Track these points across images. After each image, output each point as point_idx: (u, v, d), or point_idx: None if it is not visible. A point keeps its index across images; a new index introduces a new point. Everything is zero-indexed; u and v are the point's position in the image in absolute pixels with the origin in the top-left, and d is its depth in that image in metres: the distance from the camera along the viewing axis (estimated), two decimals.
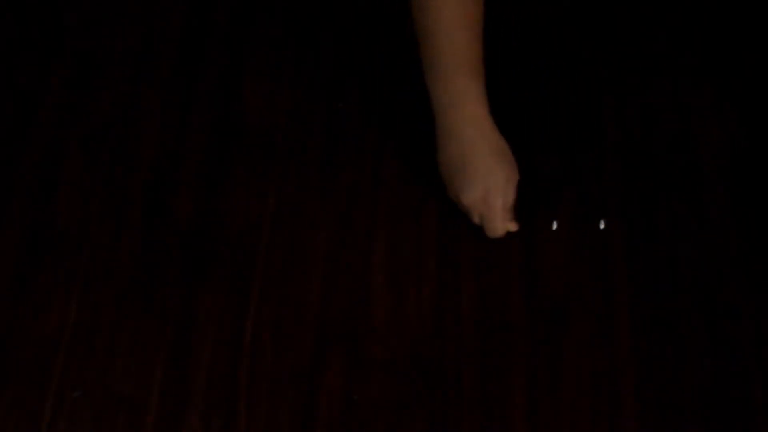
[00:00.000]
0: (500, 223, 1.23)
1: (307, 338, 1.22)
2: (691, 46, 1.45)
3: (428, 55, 1.22)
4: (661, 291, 1.24)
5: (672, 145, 1.36)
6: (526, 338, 1.21)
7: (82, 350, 1.21)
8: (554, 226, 1.29)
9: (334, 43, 1.47)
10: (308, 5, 1.50)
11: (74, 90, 1.43)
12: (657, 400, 1.17)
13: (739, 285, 1.24)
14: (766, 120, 1.37)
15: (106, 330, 1.23)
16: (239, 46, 1.47)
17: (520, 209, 1.28)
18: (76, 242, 1.29)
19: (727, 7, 1.47)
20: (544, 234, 1.28)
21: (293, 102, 1.41)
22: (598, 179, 1.33)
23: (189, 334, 1.22)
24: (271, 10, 1.50)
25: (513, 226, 1.25)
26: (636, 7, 1.48)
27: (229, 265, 1.27)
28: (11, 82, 1.45)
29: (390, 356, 1.20)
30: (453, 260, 1.27)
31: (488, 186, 1.22)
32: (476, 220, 1.25)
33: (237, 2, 1.51)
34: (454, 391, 1.18)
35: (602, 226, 1.29)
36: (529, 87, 1.40)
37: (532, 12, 1.47)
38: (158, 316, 1.23)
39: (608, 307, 1.23)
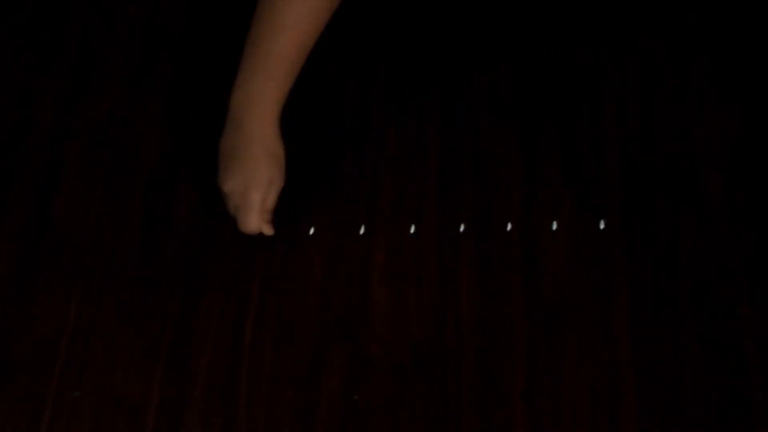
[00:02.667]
0: (253, 218, 1.23)
1: (307, 338, 1.22)
2: (691, 46, 1.45)
3: (247, 44, 1.24)
4: (661, 291, 1.24)
5: (672, 144, 1.36)
6: (526, 338, 1.21)
7: (82, 350, 1.21)
8: (554, 226, 1.29)
9: (334, 43, 1.47)
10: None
11: (74, 90, 1.43)
12: (657, 400, 1.17)
13: (738, 285, 1.24)
14: (766, 119, 1.37)
15: (106, 330, 1.23)
16: (239, 46, 1.47)
17: (520, 209, 1.28)
18: (76, 242, 1.29)
19: (727, 7, 1.47)
20: (544, 234, 1.28)
21: (293, 102, 1.41)
22: (598, 179, 1.33)
23: (189, 334, 1.22)
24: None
25: (267, 229, 1.24)
26: (636, 6, 1.48)
27: (229, 265, 1.27)
28: (11, 82, 1.45)
29: (390, 356, 1.20)
30: (453, 260, 1.27)
31: (250, 181, 1.22)
32: (231, 209, 1.25)
33: (237, 2, 1.51)
34: (454, 391, 1.18)
35: (602, 226, 1.29)
36: (529, 87, 1.40)
37: (532, 12, 1.47)
38: (158, 316, 1.24)
39: (608, 307, 1.23)
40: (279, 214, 1.31)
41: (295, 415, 1.17)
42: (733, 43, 1.44)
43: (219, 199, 1.31)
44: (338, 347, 1.21)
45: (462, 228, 1.29)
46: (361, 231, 1.29)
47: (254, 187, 1.22)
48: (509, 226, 1.29)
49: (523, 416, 1.16)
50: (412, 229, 1.29)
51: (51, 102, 1.42)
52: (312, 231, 1.30)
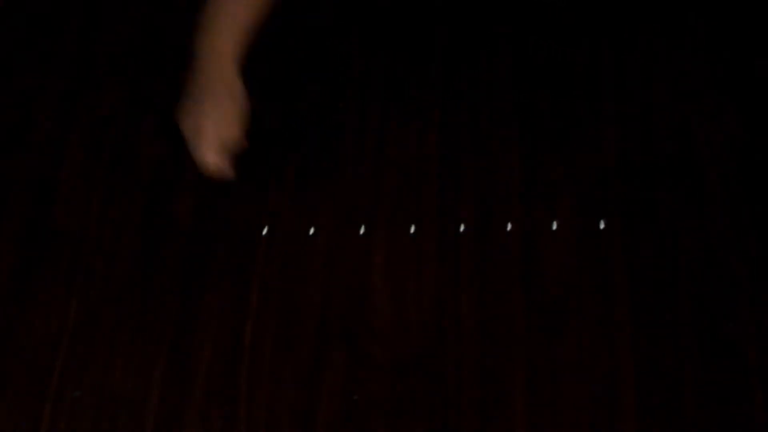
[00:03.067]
0: (206, 151, 1.24)
1: (307, 338, 1.22)
2: (691, 46, 1.45)
3: (207, 8, 1.29)
4: (661, 291, 1.24)
5: (672, 144, 1.36)
6: (526, 338, 1.21)
7: (82, 350, 1.21)
8: (554, 226, 1.29)
9: (334, 43, 1.47)
10: (308, 6, 1.50)
11: (74, 90, 1.43)
12: (657, 400, 1.17)
13: (738, 285, 1.24)
14: (766, 120, 1.37)
15: (106, 330, 1.23)
16: None
17: (520, 209, 1.29)
18: (76, 242, 1.29)
19: (728, 7, 1.47)
20: (544, 234, 1.28)
21: (294, 102, 1.41)
22: (598, 179, 1.33)
23: (189, 334, 1.22)
24: (271, 10, 1.50)
25: (223, 163, 1.24)
26: (636, 6, 1.48)
27: (229, 265, 1.27)
28: (11, 82, 1.45)
29: (390, 356, 1.20)
30: (453, 260, 1.27)
31: (206, 114, 1.25)
32: (190, 146, 1.26)
33: None
34: (454, 391, 1.18)
35: (602, 226, 1.29)
36: (529, 88, 1.40)
37: (532, 12, 1.47)
38: (158, 316, 1.24)
39: (608, 307, 1.23)
40: (279, 214, 1.31)
41: (295, 415, 1.17)
42: (733, 43, 1.44)
43: (219, 199, 1.31)
44: (338, 347, 1.21)
45: (462, 228, 1.29)
46: (361, 231, 1.29)
47: (208, 116, 1.24)
48: (509, 226, 1.29)
49: (523, 416, 1.16)
50: (412, 229, 1.29)
51: (51, 102, 1.42)
52: (312, 231, 1.30)
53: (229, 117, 1.25)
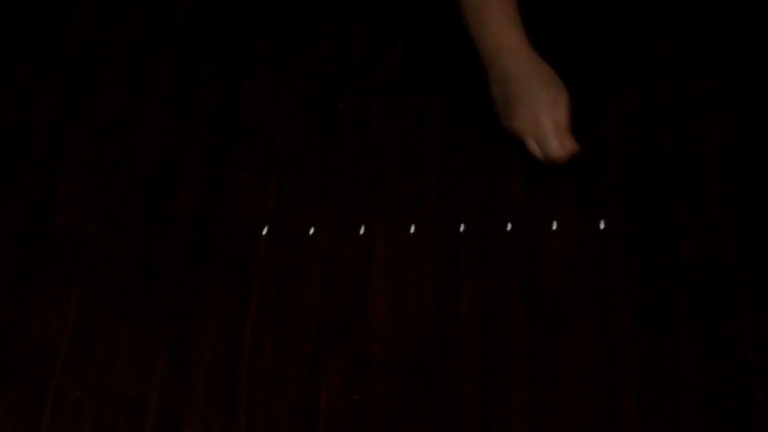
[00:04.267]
0: (553, 143, 1.25)
1: (307, 338, 1.22)
2: (691, 45, 1.45)
3: (470, 10, 1.29)
4: (661, 291, 1.24)
5: (672, 145, 1.36)
6: (526, 338, 1.21)
7: (82, 350, 1.21)
8: (554, 226, 1.29)
9: (334, 43, 1.47)
10: (308, 5, 1.50)
11: (74, 90, 1.43)
12: (657, 400, 1.17)
13: (739, 285, 1.24)
14: (766, 120, 1.37)
15: (106, 330, 1.23)
16: (239, 46, 1.47)
17: (520, 209, 1.29)
18: (76, 242, 1.29)
19: (728, 7, 1.47)
20: (544, 234, 1.28)
21: (293, 102, 1.41)
22: (598, 179, 1.33)
23: (189, 334, 1.22)
24: (271, 10, 1.50)
25: (571, 144, 1.26)
26: (636, 6, 1.48)
27: (229, 265, 1.27)
28: (11, 82, 1.45)
29: (390, 356, 1.20)
30: (453, 260, 1.27)
31: (535, 108, 1.26)
32: (533, 147, 1.27)
33: (237, 2, 1.51)
34: (454, 391, 1.18)
35: (602, 226, 1.29)
36: None
37: (532, 12, 1.47)
38: (158, 316, 1.24)
39: (608, 307, 1.23)
40: (279, 214, 1.31)
41: (295, 415, 1.17)
42: (733, 43, 1.44)
43: (219, 199, 1.31)
44: (338, 347, 1.21)
45: (462, 228, 1.29)
46: (361, 231, 1.29)
47: (541, 113, 1.25)
48: (509, 226, 1.29)
49: (523, 416, 1.16)
50: (412, 229, 1.29)
51: (51, 102, 1.42)
52: (312, 231, 1.30)
53: (555, 101, 1.26)
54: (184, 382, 1.19)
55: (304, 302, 1.24)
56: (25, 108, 1.42)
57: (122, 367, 1.20)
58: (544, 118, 1.25)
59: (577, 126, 1.37)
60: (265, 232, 1.30)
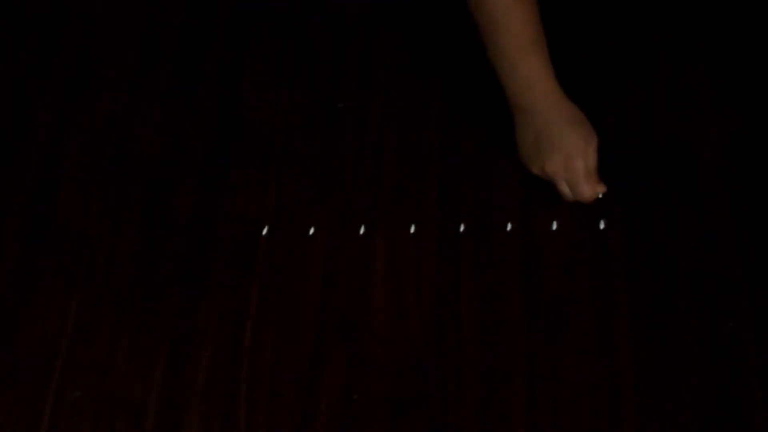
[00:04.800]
0: (586, 185, 1.26)
1: (307, 338, 1.22)
2: (691, 45, 1.45)
3: (492, 41, 1.26)
4: (661, 291, 1.24)
5: (672, 144, 1.36)
6: (526, 338, 1.21)
7: (82, 350, 1.21)
8: (554, 226, 1.29)
9: (334, 43, 1.47)
10: (308, 6, 1.50)
11: (74, 90, 1.43)
12: (657, 400, 1.17)
13: (739, 285, 1.24)
14: (766, 119, 1.37)
15: (106, 330, 1.23)
16: (239, 46, 1.47)
17: (520, 209, 1.29)
18: (76, 242, 1.29)
19: (727, 7, 1.47)
20: (544, 234, 1.28)
21: (293, 102, 1.41)
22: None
23: (189, 334, 1.22)
24: (271, 10, 1.50)
25: (601, 188, 1.27)
26: (636, 6, 1.48)
27: (229, 265, 1.27)
28: (11, 82, 1.45)
29: (390, 356, 1.20)
30: (453, 260, 1.27)
31: (568, 152, 1.25)
32: (564, 189, 1.27)
33: (237, 2, 1.51)
34: (454, 391, 1.18)
35: (602, 226, 1.29)
36: None
37: None
38: (158, 317, 1.24)
39: (608, 307, 1.23)
40: (279, 214, 1.31)
41: (295, 415, 1.17)
42: (734, 43, 1.44)
43: (219, 199, 1.32)
44: (338, 347, 1.21)
45: (462, 228, 1.29)
46: (361, 231, 1.29)
47: (574, 156, 1.25)
48: (509, 226, 1.29)
49: (523, 416, 1.16)
50: (412, 229, 1.29)
51: (51, 102, 1.42)
52: (312, 231, 1.30)
53: (587, 143, 1.26)
54: (184, 382, 1.19)
55: (304, 302, 1.24)
56: (25, 108, 1.42)
57: (122, 367, 1.20)
58: (577, 162, 1.25)
59: None
60: (265, 232, 1.30)
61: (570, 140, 1.25)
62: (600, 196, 1.28)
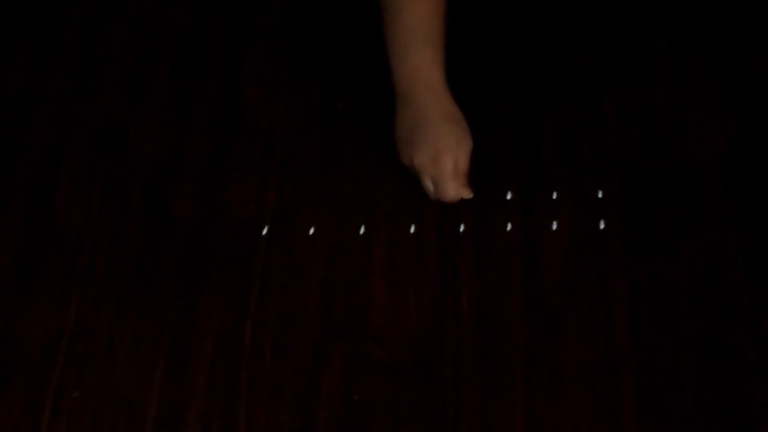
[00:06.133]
0: (450, 185, 1.25)
1: (307, 338, 1.22)
2: (690, 45, 1.45)
3: (389, 29, 1.28)
4: (661, 291, 1.24)
5: (672, 143, 1.36)
6: (526, 338, 1.21)
7: (81, 350, 1.21)
8: (554, 226, 1.29)
9: (334, 43, 1.47)
10: (308, 6, 1.50)
11: (74, 90, 1.43)
12: (657, 399, 1.17)
13: (739, 284, 1.24)
14: (765, 119, 1.37)
15: (106, 330, 1.23)
16: (239, 46, 1.47)
17: (520, 209, 1.29)
18: (76, 242, 1.29)
19: (727, 6, 1.47)
20: (544, 234, 1.28)
21: (293, 102, 1.41)
22: (598, 179, 1.32)
23: (189, 334, 1.22)
24: (271, 10, 1.50)
25: (466, 192, 1.27)
26: (636, 6, 1.48)
27: (229, 265, 1.27)
28: (11, 82, 1.45)
29: (390, 356, 1.20)
30: (453, 260, 1.27)
31: (438, 148, 1.25)
32: (428, 184, 1.27)
33: (237, 2, 1.51)
34: (454, 391, 1.18)
35: (602, 226, 1.29)
36: (529, 87, 1.40)
37: (532, 12, 1.47)
38: (158, 317, 1.24)
39: (608, 307, 1.23)
40: (279, 214, 1.31)
41: (295, 415, 1.17)
42: (733, 43, 1.44)
43: (219, 199, 1.32)
44: (338, 347, 1.21)
45: (462, 228, 1.29)
46: (361, 231, 1.29)
47: (444, 153, 1.24)
48: (509, 226, 1.29)
49: (523, 416, 1.16)
50: (412, 229, 1.29)
51: (50, 102, 1.42)
52: (312, 231, 1.30)
53: (460, 144, 1.25)
54: (184, 382, 1.19)
55: (304, 302, 1.24)
56: (25, 108, 1.42)
57: (122, 367, 1.20)
58: (445, 159, 1.24)
59: (578, 126, 1.37)
60: (265, 232, 1.30)
61: (443, 137, 1.25)
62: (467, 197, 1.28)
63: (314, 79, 1.43)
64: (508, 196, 1.31)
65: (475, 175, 1.34)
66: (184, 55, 1.47)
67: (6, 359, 1.21)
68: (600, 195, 1.31)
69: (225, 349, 1.21)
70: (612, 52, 1.44)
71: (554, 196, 1.31)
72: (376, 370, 1.19)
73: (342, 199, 1.32)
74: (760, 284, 1.24)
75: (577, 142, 1.36)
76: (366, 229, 1.29)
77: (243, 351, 1.21)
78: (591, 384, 1.18)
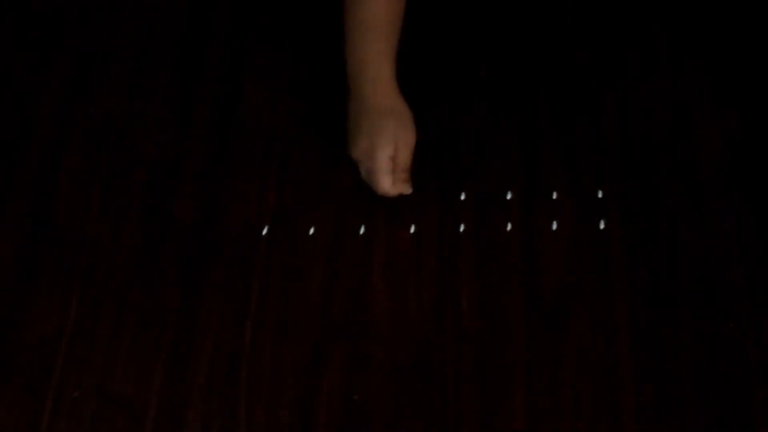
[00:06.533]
0: (383, 179, 1.26)
1: (307, 338, 1.22)
2: (690, 44, 1.45)
3: (345, 22, 1.29)
4: (661, 291, 1.24)
5: (672, 143, 1.36)
6: (526, 338, 1.21)
7: (81, 350, 1.21)
8: (554, 226, 1.29)
9: (334, 43, 1.47)
10: (308, 6, 1.50)
11: (74, 90, 1.43)
12: (657, 399, 1.17)
13: (739, 284, 1.24)
14: (765, 119, 1.37)
15: (105, 330, 1.23)
16: (239, 46, 1.47)
17: (520, 209, 1.29)
18: (76, 242, 1.29)
19: (727, 6, 1.47)
20: (544, 234, 1.28)
21: (293, 102, 1.41)
22: (598, 179, 1.33)
23: (189, 334, 1.22)
24: (271, 10, 1.50)
25: (405, 188, 1.28)
26: (635, 6, 1.48)
27: (229, 265, 1.27)
28: (11, 82, 1.45)
29: (390, 356, 1.20)
30: (453, 260, 1.27)
31: (375, 140, 1.26)
32: (363, 174, 1.29)
33: (237, 2, 1.51)
34: (454, 391, 1.18)
35: (602, 226, 1.29)
36: (529, 87, 1.40)
37: (532, 11, 1.47)
38: (158, 317, 1.24)
39: (608, 307, 1.23)
40: (279, 214, 1.31)
41: (295, 415, 1.17)
42: (733, 43, 1.44)
43: (219, 199, 1.32)
44: (338, 347, 1.21)
45: (462, 228, 1.29)
46: (361, 231, 1.29)
47: (380, 147, 1.25)
48: (509, 226, 1.29)
49: (523, 416, 1.16)
50: (412, 229, 1.29)
51: (51, 102, 1.42)
52: (312, 231, 1.30)
53: (399, 139, 1.26)
54: (184, 382, 1.19)
55: (304, 302, 1.24)
56: (25, 108, 1.42)
57: (122, 367, 1.20)
58: (380, 152, 1.25)
59: (578, 126, 1.37)
60: (265, 232, 1.30)
61: (382, 130, 1.26)
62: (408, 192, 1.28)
63: (314, 79, 1.43)
64: (508, 196, 1.31)
65: (475, 175, 1.34)
66: (184, 55, 1.47)
67: (6, 359, 1.21)
68: (600, 195, 1.31)
69: (225, 349, 1.21)
70: (612, 52, 1.44)
71: (554, 196, 1.31)
72: (376, 370, 1.19)
73: (342, 199, 1.32)
74: (760, 284, 1.24)
75: (577, 142, 1.36)
76: (366, 229, 1.29)
77: (243, 351, 1.21)
78: (591, 383, 1.18)
